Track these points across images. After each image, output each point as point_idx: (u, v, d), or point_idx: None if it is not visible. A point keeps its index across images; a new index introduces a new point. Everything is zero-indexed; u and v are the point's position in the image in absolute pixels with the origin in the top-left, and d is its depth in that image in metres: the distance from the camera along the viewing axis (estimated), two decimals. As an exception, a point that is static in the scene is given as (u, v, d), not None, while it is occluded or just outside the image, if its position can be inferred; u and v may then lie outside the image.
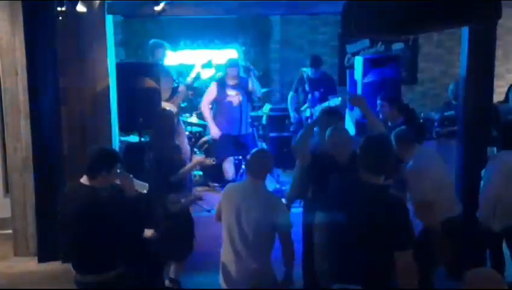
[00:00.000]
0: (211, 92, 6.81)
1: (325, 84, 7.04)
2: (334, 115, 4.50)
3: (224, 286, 3.69)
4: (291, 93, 7.29)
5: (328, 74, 7.30)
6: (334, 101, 6.52)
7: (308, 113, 6.97)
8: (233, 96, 6.71)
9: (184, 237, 4.64)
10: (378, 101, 5.16)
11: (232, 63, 6.77)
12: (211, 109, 6.93)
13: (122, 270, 3.47)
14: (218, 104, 6.85)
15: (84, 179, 3.43)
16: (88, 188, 3.39)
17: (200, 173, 7.32)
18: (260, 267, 3.60)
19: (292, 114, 7.27)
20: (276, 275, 3.70)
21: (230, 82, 6.68)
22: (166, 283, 4.65)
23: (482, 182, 4.42)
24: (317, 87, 6.93)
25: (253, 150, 3.96)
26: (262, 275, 3.60)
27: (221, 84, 6.75)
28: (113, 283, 3.42)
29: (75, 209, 3.35)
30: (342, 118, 4.83)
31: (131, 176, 3.57)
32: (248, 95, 6.83)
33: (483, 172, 4.44)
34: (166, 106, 6.18)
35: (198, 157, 4.93)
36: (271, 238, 3.66)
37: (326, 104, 6.49)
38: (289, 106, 7.32)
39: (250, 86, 6.79)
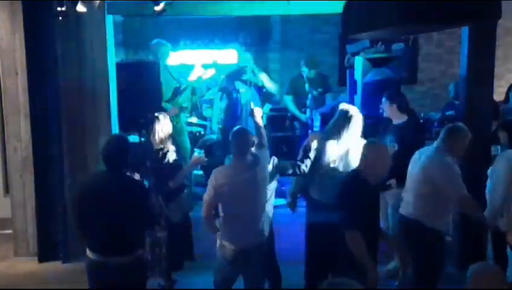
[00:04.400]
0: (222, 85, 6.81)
1: (322, 83, 7.04)
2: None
3: (235, 246, 3.93)
4: (290, 97, 7.25)
5: (323, 73, 7.28)
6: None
7: (308, 114, 6.95)
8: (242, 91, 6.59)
9: (183, 246, 4.66)
10: (383, 99, 5.17)
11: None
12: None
13: (140, 255, 3.64)
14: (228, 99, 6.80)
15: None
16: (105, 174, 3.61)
17: (201, 172, 7.31)
18: (260, 226, 4.02)
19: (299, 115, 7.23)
20: None
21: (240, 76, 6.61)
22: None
23: (488, 182, 4.40)
24: (315, 87, 6.92)
25: (234, 130, 4.10)
26: (265, 229, 4.08)
27: (231, 78, 6.68)
28: (133, 266, 3.55)
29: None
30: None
31: None
32: (257, 90, 6.76)
33: (489, 171, 4.42)
34: (167, 106, 6.19)
35: (195, 156, 4.89)
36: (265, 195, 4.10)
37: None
38: (293, 109, 7.25)
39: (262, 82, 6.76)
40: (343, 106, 4.58)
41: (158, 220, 4.63)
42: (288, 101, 7.23)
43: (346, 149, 4.36)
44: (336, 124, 4.47)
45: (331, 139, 4.39)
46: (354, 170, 3.88)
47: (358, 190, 3.66)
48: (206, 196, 3.96)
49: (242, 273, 4.08)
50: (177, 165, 4.69)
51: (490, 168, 4.46)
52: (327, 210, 4.22)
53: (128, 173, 4.08)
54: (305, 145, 4.61)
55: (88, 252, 3.58)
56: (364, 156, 3.75)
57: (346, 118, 4.41)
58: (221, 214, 4.01)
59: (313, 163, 4.41)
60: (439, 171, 4.09)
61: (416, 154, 4.37)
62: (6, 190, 6.19)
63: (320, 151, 4.38)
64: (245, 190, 3.90)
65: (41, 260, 5.54)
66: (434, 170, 4.10)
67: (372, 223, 3.78)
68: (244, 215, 3.93)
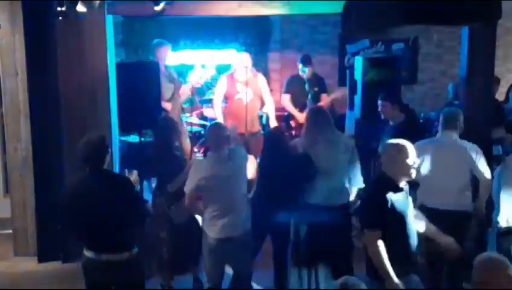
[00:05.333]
0: (221, 87, 6.61)
1: (317, 83, 7.04)
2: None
3: (216, 235, 4.09)
4: (288, 96, 7.21)
5: (319, 75, 7.28)
6: None
7: None
8: (243, 92, 6.43)
9: (190, 248, 4.64)
10: (379, 101, 5.16)
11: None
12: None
13: (135, 253, 3.64)
14: (228, 100, 6.66)
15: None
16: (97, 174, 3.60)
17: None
18: (246, 211, 4.19)
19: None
20: None
21: (240, 77, 6.46)
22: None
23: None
24: (312, 87, 6.92)
25: (210, 124, 4.33)
26: (248, 218, 4.21)
27: (231, 79, 6.55)
28: (129, 263, 3.58)
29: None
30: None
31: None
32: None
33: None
34: (167, 106, 6.18)
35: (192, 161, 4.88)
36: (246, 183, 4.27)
37: None
38: (290, 107, 7.23)
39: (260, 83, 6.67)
40: (313, 109, 4.76)
41: (161, 221, 4.62)
42: (286, 100, 7.22)
43: (331, 148, 4.36)
44: (313, 126, 4.46)
45: (315, 141, 4.38)
46: (380, 172, 3.66)
47: (382, 190, 3.46)
48: (186, 188, 4.11)
49: (231, 264, 4.26)
50: (179, 166, 4.67)
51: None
52: (318, 212, 4.24)
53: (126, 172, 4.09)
54: None
55: (84, 251, 3.61)
56: (386, 157, 3.58)
57: (322, 118, 4.45)
58: (203, 204, 4.16)
59: (302, 166, 4.40)
60: (476, 154, 4.27)
61: (427, 148, 4.37)
62: (6, 189, 6.19)
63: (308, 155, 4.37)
64: (222, 182, 4.04)
65: (41, 260, 5.53)
66: (471, 154, 4.26)
67: (401, 228, 3.47)
68: (223, 206, 4.08)
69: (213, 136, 4.19)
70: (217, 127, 4.32)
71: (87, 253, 3.60)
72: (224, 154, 4.12)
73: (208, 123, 7.68)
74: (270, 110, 6.79)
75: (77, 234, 3.70)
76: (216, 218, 4.09)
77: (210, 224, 4.13)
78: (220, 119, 6.60)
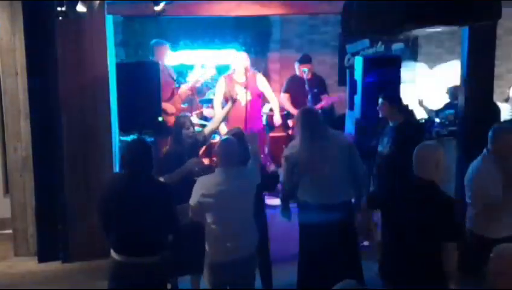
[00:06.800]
0: (221, 88, 6.54)
1: (317, 84, 7.03)
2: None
3: (217, 258, 3.88)
4: (287, 95, 7.21)
5: (319, 76, 7.27)
6: None
7: None
8: (242, 93, 6.32)
9: (196, 249, 4.58)
10: (380, 100, 5.16)
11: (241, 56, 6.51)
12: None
13: (166, 255, 3.61)
14: (227, 101, 6.62)
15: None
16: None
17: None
18: (251, 235, 3.95)
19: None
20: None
21: (239, 78, 6.41)
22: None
23: None
24: (312, 87, 6.91)
25: (221, 140, 4.12)
26: (253, 242, 3.97)
27: (230, 80, 6.50)
28: (157, 266, 3.55)
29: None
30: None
31: None
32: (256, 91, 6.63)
33: None
34: (167, 106, 6.19)
35: (192, 160, 4.65)
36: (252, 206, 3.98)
37: None
38: (288, 106, 7.22)
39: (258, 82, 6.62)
40: (304, 109, 4.72)
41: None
42: (284, 99, 7.23)
43: (326, 147, 4.34)
44: (304, 127, 4.43)
45: (309, 141, 4.35)
46: None
47: None
48: (191, 202, 3.86)
49: (229, 285, 3.98)
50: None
51: None
52: (319, 211, 4.23)
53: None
54: (287, 155, 4.47)
55: (113, 253, 3.55)
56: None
57: (314, 118, 4.43)
58: (206, 222, 3.89)
59: (300, 168, 4.36)
60: None
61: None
62: (6, 190, 6.19)
63: (304, 156, 4.34)
64: (228, 201, 3.79)
65: (41, 260, 5.54)
66: None
67: None
68: (227, 228, 3.82)
69: (223, 152, 3.90)
70: (228, 143, 3.99)
71: (116, 256, 3.52)
72: (233, 172, 3.86)
73: (207, 123, 7.69)
74: (274, 107, 6.84)
75: (109, 235, 3.61)
76: (218, 240, 3.83)
77: (212, 245, 3.88)
78: (219, 120, 6.57)
